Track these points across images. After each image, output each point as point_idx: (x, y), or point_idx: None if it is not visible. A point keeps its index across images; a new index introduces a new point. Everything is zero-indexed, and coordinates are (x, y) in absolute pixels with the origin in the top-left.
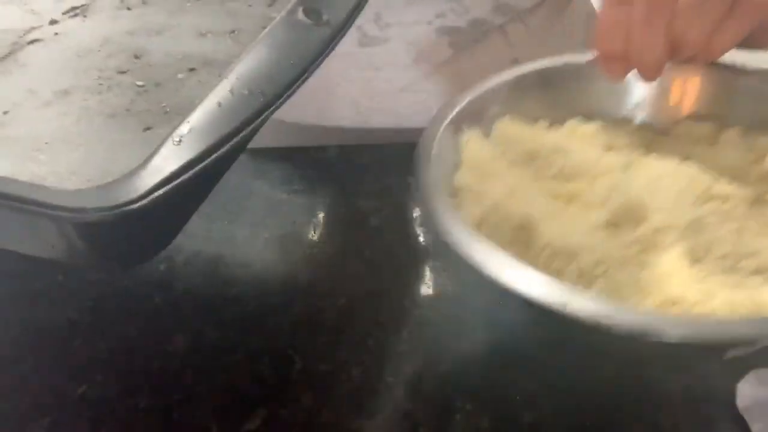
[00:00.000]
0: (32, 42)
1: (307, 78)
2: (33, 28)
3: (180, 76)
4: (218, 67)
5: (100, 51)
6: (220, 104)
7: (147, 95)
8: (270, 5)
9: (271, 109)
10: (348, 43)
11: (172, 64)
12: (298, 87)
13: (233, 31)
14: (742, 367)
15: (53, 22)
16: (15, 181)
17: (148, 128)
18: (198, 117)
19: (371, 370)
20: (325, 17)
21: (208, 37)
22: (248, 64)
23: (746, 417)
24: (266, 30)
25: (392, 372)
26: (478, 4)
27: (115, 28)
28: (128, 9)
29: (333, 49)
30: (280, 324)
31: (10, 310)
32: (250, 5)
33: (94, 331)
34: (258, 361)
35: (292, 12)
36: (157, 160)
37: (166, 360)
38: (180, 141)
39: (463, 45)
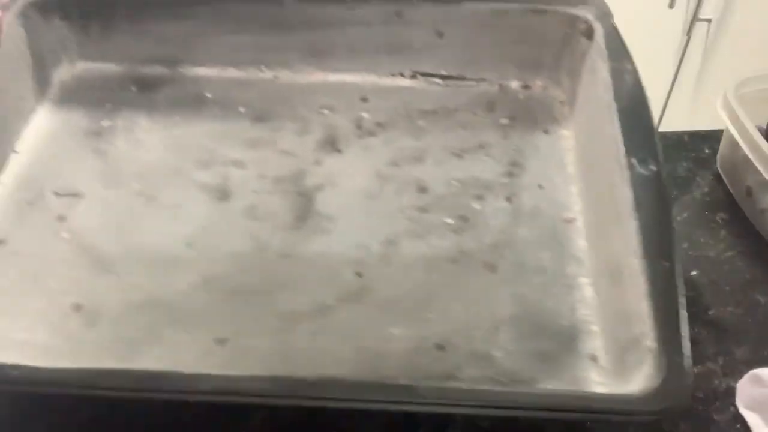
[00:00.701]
0: (317, 188)
1: None
2: (303, 170)
3: (476, 206)
4: (501, 191)
5: (384, 189)
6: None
7: (464, 234)
8: (489, 112)
9: None
10: None
11: (458, 193)
12: None
13: (482, 146)
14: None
15: (317, 162)
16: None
17: (492, 267)
18: None
19: None
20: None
21: (465, 157)
22: None
23: (745, 415)
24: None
25: None
26: None
27: (376, 160)
28: (372, 135)
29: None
30: None
31: None
32: (474, 113)
33: None
34: None
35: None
36: None
37: None
38: None
39: None
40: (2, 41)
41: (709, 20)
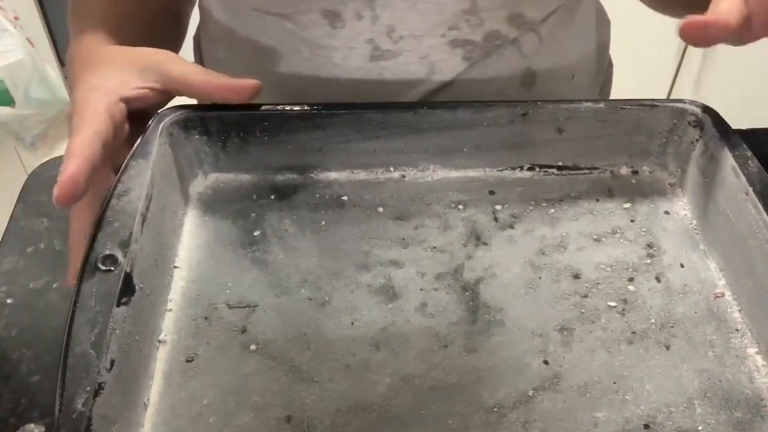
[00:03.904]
0: (478, 281)
1: None
2: (459, 265)
3: (631, 288)
4: (648, 272)
5: (541, 277)
6: None
7: (629, 315)
8: (609, 197)
9: None
10: (359, 57)
11: (610, 276)
12: None
13: (615, 231)
14: None
15: (469, 256)
16: None
17: (667, 345)
18: None
19: None
20: None
21: (604, 241)
22: None
23: None
24: None
25: None
26: (492, 15)
27: (524, 250)
28: (510, 226)
29: None
30: None
31: (11, 309)
32: (597, 200)
33: None
34: None
35: None
36: None
37: None
38: None
39: (476, 58)
40: (156, 160)
41: None
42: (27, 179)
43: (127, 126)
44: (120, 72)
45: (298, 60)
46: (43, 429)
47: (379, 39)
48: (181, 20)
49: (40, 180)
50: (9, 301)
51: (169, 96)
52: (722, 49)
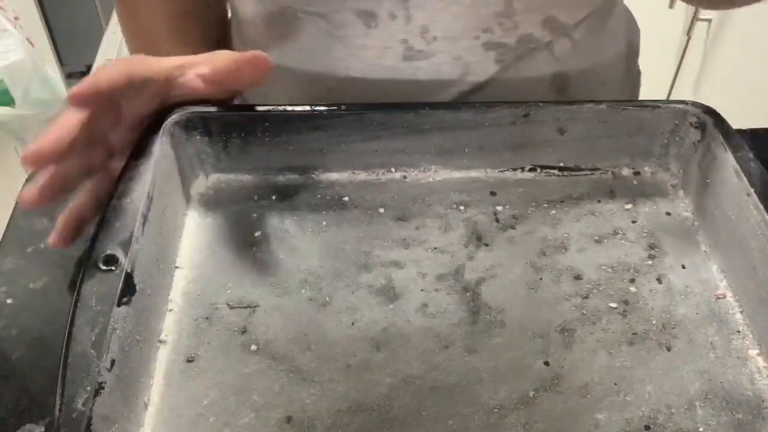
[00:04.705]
0: (479, 282)
1: None
2: (460, 266)
3: (632, 289)
4: (649, 273)
5: (542, 278)
6: None
7: (630, 316)
8: (610, 198)
9: None
10: (392, 57)
11: (611, 278)
12: None
13: (616, 232)
14: None
15: (470, 257)
16: None
17: (668, 347)
18: None
19: None
20: None
21: (605, 242)
22: None
23: None
24: None
25: None
26: (526, 19)
27: (525, 251)
28: (511, 227)
29: None
30: None
31: (11, 309)
32: (599, 201)
33: None
34: None
35: None
36: None
37: None
38: None
39: (509, 61)
40: (157, 161)
41: (709, 20)
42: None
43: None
44: (178, 58)
45: (332, 59)
46: (43, 429)
47: (413, 39)
48: (226, 24)
49: None
50: (9, 301)
51: (218, 89)
52: (722, 49)
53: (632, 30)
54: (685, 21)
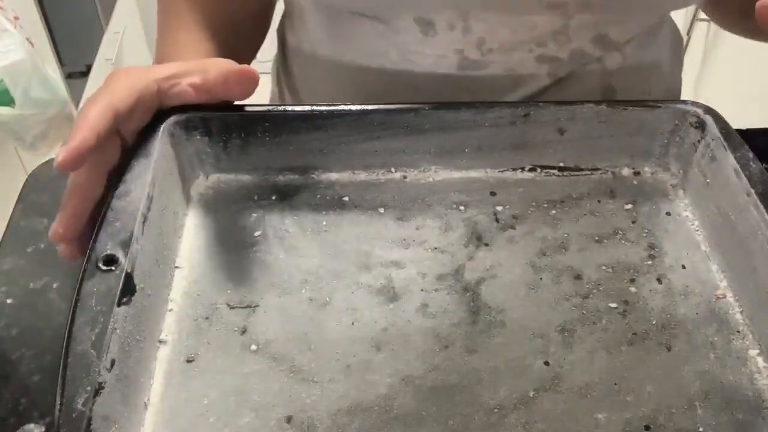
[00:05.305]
0: (479, 282)
1: None
2: (460, 266)
3: (632, 289)
4: (649, 273)
5: (542, 278)
6: None
7: (630, 316)
8: (611, 198)
9: None
10: (447, 66)
11: (611, 278)
12: None
13: (616, 232)
14: None
15: (470, 257)
16: None
17: (667, 347)
18: None
19: None
20: None
21: (605, 242)
22: None
23: None
24: None
25: None
26: (580, 35)
27: (525, 251)
28: (511, 227)
29: None
30: None
31: (11, 309)
32: (599, 201)
33: None
34: None
35: None
36: None
37: None
38: None
39: (560, 74)
40: (157, 161)
41: (709, 20)
42: (27, 179)
43: (148, 115)
44: (170, 67)
45: (386, 62)
46: (43, 429)
47: (468, 50)
48: (267, 16)
49: (40, 180)
50: (9, 301)
51: (210, 98)
52: (722, 49)
53: (676, 41)
54: (685, 21)
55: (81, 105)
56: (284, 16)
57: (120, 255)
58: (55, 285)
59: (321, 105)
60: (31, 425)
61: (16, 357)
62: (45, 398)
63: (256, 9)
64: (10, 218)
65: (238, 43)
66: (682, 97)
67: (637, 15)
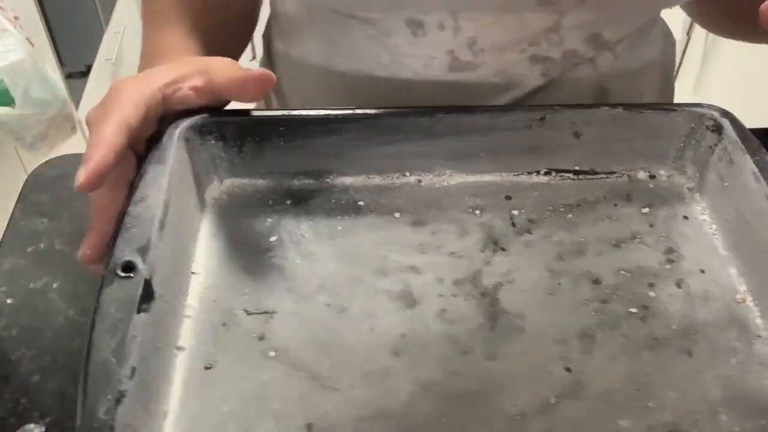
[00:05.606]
0: (497, 287)
1: None
2: (477, 271)
3: (652, 294)
4: (668, 278)
5: (560, 283)
6: None
7: (650, 321)
8: (627, 202)
9: None
10: (438, 67)
11: (630, 282)
12: None
13: (634, 236)
14: None
15: (487, 262)
16: None
17: (689, 352)
18: None
19: None
20: None
21: (622, 247)
22: None
23: None
24: None
25: None
26: (573, 35)
27: (542, 255)
28: (528, 231)
29: None
30: None
31: (11, 309)
32: (615, 204)
33: None
34: None
35: None
36: None
37: None
38: None
39: (553, 75)
40: (172, 166)
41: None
42: (27, 179)
43: (155, 124)
44: (169, 72)
45: (376, 65)
46: (43, 429)
47: (460, 50)
48: (253, 17)
49: (40, 180)
50: (9, 301)
51: (213, 100)
52: (722, 49)
53: (668, 42)
54: (685, 21)
55: (80, 109)
56: (270, 21)
57: (138, 262)
58: (55, 285)
59: (335, 109)
60: (31, 425)
61: (16, 357)
62: (45, 398)
63: (241, 10)
64: (10, 218)
65: (225, 42)
66: (682, 98)
67: (630, 11)
